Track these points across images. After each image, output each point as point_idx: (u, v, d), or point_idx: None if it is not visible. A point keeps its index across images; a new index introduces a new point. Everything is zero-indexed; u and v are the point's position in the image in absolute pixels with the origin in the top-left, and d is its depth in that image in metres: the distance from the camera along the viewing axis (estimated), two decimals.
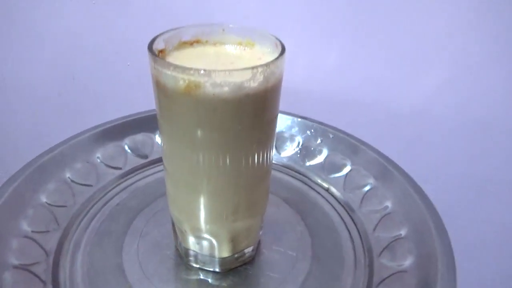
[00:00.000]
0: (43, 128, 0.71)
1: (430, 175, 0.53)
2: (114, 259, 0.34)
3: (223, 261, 0.33)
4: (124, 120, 0.46)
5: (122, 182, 0.43)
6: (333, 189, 0.43)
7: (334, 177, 0.44)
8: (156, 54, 0.26)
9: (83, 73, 0.64)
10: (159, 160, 0.46)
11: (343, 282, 0.33)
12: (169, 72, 0.24)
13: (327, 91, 0.53)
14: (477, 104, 0.48)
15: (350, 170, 0.43)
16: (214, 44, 0.31)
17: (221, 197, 0.29)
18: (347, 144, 0.44)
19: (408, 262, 0.33)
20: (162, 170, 0.44)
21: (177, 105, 0.25)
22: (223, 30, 0.31)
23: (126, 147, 0.45)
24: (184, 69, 0.24)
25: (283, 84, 0.28)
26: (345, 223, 0.39)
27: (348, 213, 0.40)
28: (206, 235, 0.31)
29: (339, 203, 0.41)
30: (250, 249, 0.34)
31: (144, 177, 0.44)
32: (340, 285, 0.33)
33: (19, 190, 0.36)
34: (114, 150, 0.45)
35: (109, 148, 0.45)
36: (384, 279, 0.32)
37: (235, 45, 0.31)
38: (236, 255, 0.33)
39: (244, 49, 0.31)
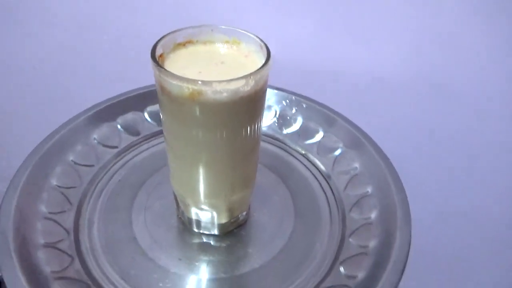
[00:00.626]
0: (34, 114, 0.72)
1: (389, 134, 0.60)
2: (125, 231, 0.39)
3: (221, 226, 0.39)
4: (114, 101, 0.50)
5: (119, 160, 0.47)
6: (309, 155, 0.49)
7: (309, 143, 0.50)
8: (158, 62, 0.30)
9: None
10: (151, 136, 0.50)
11: (322, 234, 0.40)
12: (174, 82, 0.28)
13: (298, 62, 0.57)
14: (438, 72, 0.54)
15: (323, 137, 0.49)
16: (204, 43, 0.35)
17: (220, 173, 0.35)
18: (319, 114, 0.50)
19: (373, 215, 0.40)
20: (155, 145, 0.49)
21: (181, 107, 0.30)
22: (212, 30, 0.34)
23: (119, 126, 0.49)
24: (188, 81, 0.28)
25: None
26: (320, 184, 0.46)
27: (323, 175, 0.46)
28: (206, 207, 0.37)
29: (315, 166, 0.48)
30: (244, 213, 0.40)
31: (139, 153, 0.48)
32: (320, 237, 0.40)
33: (32, 176, 0.40)
34: (108, 130, 0.48)
35: (103, 129, 0.48)
36: (354, 231, 0.40)
37: (223, 44, 0.35)
38: (232, 220, 0.39)
39: (232, 47, 0.35)
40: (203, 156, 0.33)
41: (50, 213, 0.39)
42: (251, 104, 0.31)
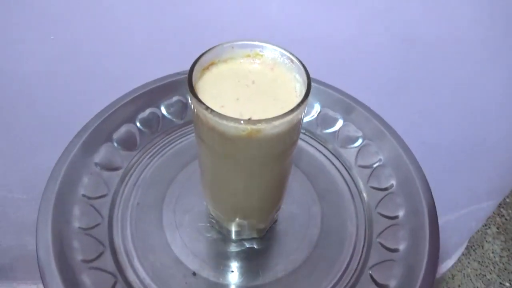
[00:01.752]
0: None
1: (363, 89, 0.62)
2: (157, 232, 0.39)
3: (259, 231, 0.40)
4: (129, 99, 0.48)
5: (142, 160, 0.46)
6: (329, 145, 0.49)
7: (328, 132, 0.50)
8: (209, 107, 0.28)
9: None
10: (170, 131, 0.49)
11: (349, 226, 0.43)
12: (231, 124, 0.27)
13: (277, 32, 0.56)
14: (404, 25, 0.56)
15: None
16: (226, 61, 0.33)
17: (266, 197, 0.35)
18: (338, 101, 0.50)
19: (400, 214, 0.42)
20: (177, 140, 0.48)
21: (233, 144, 0.29)
22: (233, 47, 0.33)
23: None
24: (248, 122, 0.27)
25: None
26: (341, 174, 0.47)
27: (344, 166, 0.47)
28: (249, 220, 0.38)
29: (335, 156, 0.48)
30: (276, 214, 0.42)
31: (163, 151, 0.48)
32: (347, 225, 0.43)
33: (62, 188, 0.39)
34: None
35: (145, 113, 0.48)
36: (381, 232, 0.42)
37: (244, 58, 0.33)
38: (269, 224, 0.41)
39: (254, 61, 0.33)
40: (250, 185, 0.33)
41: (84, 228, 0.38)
42: (299, 125, 0.31)
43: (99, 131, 0.44)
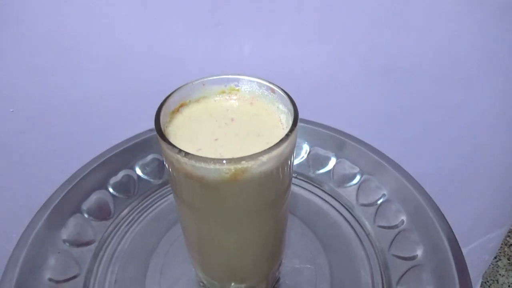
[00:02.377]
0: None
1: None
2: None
3: None
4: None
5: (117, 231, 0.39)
6: (324, 186, 0.45)
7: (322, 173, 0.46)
8: (182, 150, 0.24)
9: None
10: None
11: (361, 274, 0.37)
12: (211, 166, 0.23)
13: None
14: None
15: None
16: (198, 101, 0.29)
17: (264, 248, 0.30)
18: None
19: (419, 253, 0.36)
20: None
21: (216, 191, 0.24)
22: (204, 84, 0.29)
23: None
24: (230, 161, 0.23)
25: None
26: (343, 216, 0.42)
27: (345, 207, 0.42)
28: (247, 284, 0.32)
29: (334, 198, 0.43)
30: (278, 272, 0.36)
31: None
32: (360, 274, 0.37)
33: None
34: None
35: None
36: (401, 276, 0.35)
37: (219, 96, 0.30)
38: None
39: (231, 97, 0.30)
40: (243, 242, 0.28)
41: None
42: (290, 161, 0.27)
43: (66, 202, 0.39)
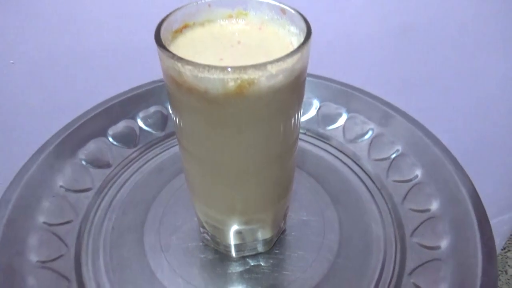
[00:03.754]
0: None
1: None
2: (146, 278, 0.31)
3: (266, 242, 0.32)
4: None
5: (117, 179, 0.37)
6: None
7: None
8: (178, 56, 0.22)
9: None
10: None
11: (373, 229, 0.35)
12: (214, 76, 0.21)
13: None
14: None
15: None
16: (202, 24, 0.27)
17: (269, 179, 0.28)
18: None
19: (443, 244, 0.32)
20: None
21: (221, 109, 0.22)
22: (209, 5, 0.27)
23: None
24: (235, 70, 0.20)
25: None
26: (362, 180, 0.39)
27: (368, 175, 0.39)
28: (251, 225, 0.30)
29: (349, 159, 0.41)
30: (283, 223, 0.34)
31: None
32: (371, 227, 0.35)
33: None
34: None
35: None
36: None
37: (226, 20, 0.27)
38: (276, 232, 0.33)
39: (238, 22, 0.27)
40: (250, 163, 0.26)
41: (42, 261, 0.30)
42: (302, 83, 0.24)
43: (63, 147, 0.37)
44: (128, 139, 0.41)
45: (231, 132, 0.23)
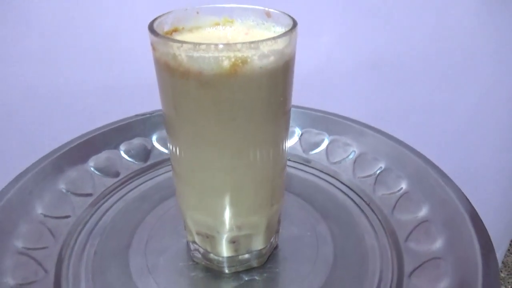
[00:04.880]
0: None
1: None
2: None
3: (259, 254, 0.31)
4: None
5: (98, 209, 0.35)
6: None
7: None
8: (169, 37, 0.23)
9: None
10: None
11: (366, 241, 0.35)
12: (209, 54, 0.21)
13: None
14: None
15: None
16: (190, 30, 0.28)
17: (263, 175, 0.27)
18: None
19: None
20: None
21: (216, 93, 0.23)
22: (198, 13, 0.28)
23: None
24: (230, 46, 0.21)
25: None
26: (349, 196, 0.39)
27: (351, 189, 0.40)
28: (244, 231, 0.29)
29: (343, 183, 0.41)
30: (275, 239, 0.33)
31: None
32: (364, 238, 0.34)
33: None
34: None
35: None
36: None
37: (213, 27, 0.29)
38: (268, 245, 0.32)
39: (224, 29, 0.29)
40: (244, 152, 0.25)
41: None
42: (290, 73, 0.25)
43: (42, 174, 0.36)
44: (110, 168, 0.40)
45: (226, 118, 0.24)
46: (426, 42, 0.54)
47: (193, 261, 0.32)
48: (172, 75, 0.23)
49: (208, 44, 0.21)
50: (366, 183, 0.39)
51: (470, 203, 0.32)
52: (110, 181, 0.39)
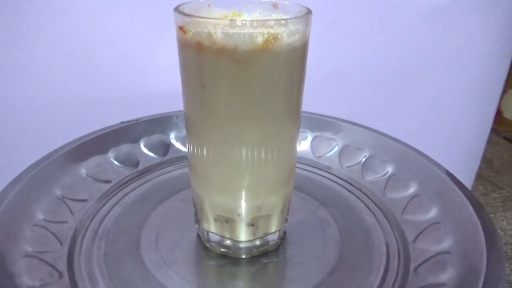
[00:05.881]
0: None
1: None
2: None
3: (274, 236, 0.32)
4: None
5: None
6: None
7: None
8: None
9: None
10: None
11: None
12: (244, 31, 0.23)
13: None
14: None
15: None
16: None
17: (281, 155, 0.29)
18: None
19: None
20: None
21: (248, 68, 0.24)
22: (209, 5, 0.30)
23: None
24: (264, 23, 0.23)
25: None
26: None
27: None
28: (263, 212, 0.30)
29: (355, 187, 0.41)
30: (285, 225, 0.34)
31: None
32: (364, 218, 0.37)
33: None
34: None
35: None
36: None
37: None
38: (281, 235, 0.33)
39: None
40: (271, 125, 0.27)
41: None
42: (307, 53, 0.28)
43: (37, 180, 0.34)
44: (102, 173, 0.39)
45: (256, 92, 0.25)
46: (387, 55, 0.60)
47: (209, 250, 0.32)
48: (203, 54, 0.24)
49: (244, 21, 0.23)
50: (354, 171, 0.42)
51: (453, 174, 0.36)
52: (105, 186, 0.38)
